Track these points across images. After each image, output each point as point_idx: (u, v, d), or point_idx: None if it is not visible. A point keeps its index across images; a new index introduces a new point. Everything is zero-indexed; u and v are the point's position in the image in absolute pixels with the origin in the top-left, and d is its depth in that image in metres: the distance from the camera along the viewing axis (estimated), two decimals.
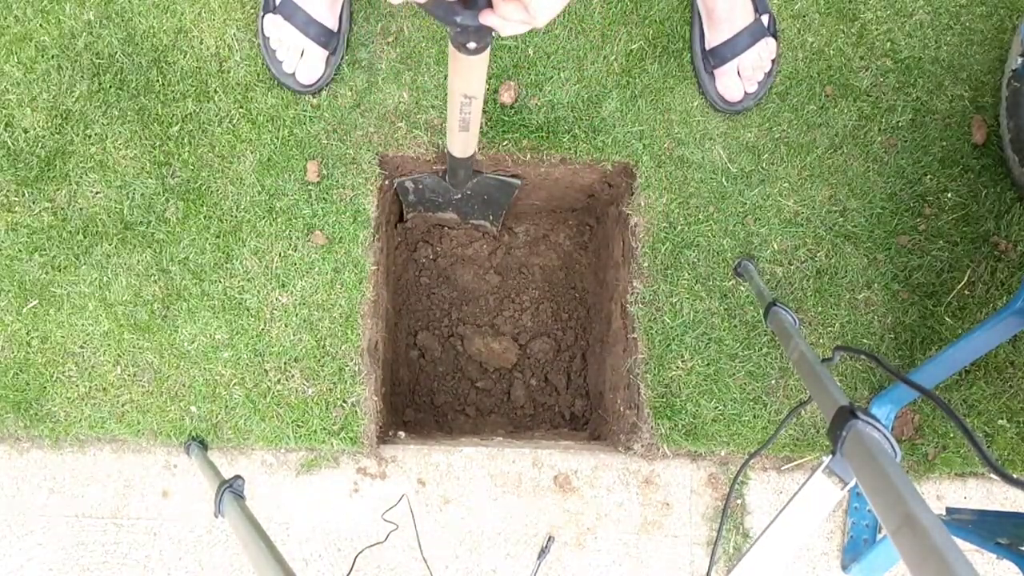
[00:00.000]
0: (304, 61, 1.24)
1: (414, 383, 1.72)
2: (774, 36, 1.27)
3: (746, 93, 1.26)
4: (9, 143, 1.27)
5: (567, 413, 1.70)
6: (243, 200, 1.27)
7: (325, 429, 1.23)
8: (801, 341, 0.87)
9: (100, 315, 1.25)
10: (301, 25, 1.22)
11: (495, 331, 1.74)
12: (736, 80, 1.25)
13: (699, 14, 1.27)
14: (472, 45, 0.80)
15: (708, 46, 1.26)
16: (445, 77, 1.29)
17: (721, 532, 1.11)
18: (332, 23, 1.24)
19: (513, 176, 1.39)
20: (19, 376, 1.25)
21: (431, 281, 1.76)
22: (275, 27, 1.24)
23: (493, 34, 0.77)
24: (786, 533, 0.71)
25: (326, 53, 1.25)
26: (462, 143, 1.10)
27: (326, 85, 1.28)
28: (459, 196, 1.48)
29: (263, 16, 1.25)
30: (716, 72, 1.26)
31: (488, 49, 0.83)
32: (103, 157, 1.27)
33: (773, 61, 1.27)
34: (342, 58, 1.28)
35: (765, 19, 1.25)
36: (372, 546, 1.24)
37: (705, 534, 1.26)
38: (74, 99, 1.28)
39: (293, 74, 1.25)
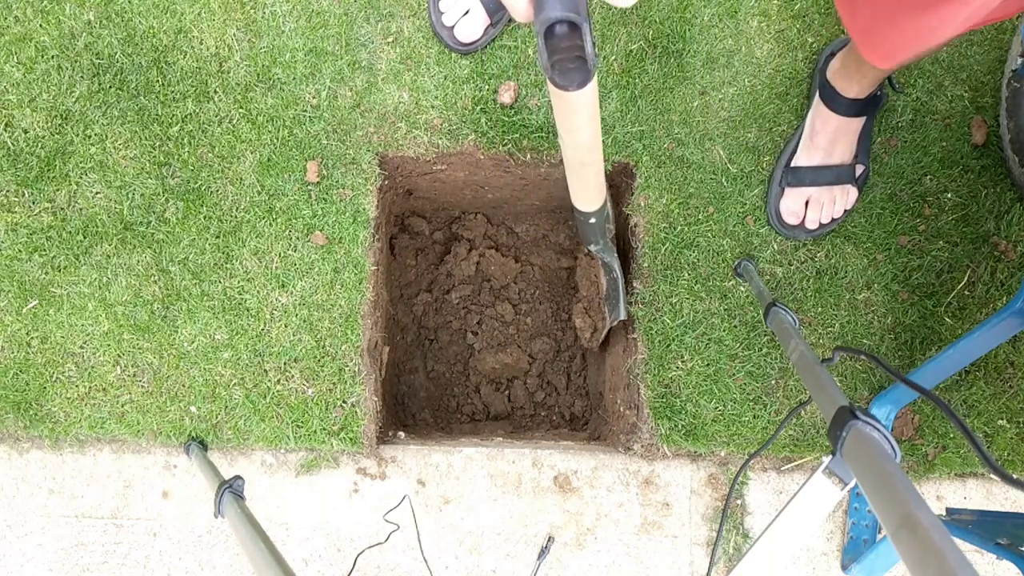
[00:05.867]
0: (466, 20, 1.25)
1: (415, 387, 1.72)
2: (859, 188, 1.24)
3: (803, 226, 1.23)
4: (9, 143, 1.27)
5: (567, 413, 1.70)
6: (243, 200, 1.27)
7: (325, 429, 1.23)
8: (801, 341, 0.87)
9: (100, 315, 1.25)
10: None
11: (504, 341, 1.74)
12: (801, 208, 1.22)
13: (803, 130, 1.24)
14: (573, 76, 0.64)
15: (794, 163, 1.24)
16: (444, 77, 1.29)
17: (721, 532, 1.11)
18: None
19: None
20: (19, 376, 1.25)
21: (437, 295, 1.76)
22: None
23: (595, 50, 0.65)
24: (786, 533, 0.71)
25: (488, 21, 1.26)
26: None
27: (479, 51, 1.29)
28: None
29: None
30: (787, 189, 1.23)
31: (593, 82, 0.66)
32: (103, 157, 1.27)
33: (845, 211, 1.24)
34: (499, 32, 1.29)
35: (859, 169, 1.23)
36: (373, 546, 1.24)
37: (705, 534, 1.26)
38: (74, 99, 1.28)
39: (452, 28, 1.26)
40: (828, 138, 1.20)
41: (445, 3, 1.26)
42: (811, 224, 1.23)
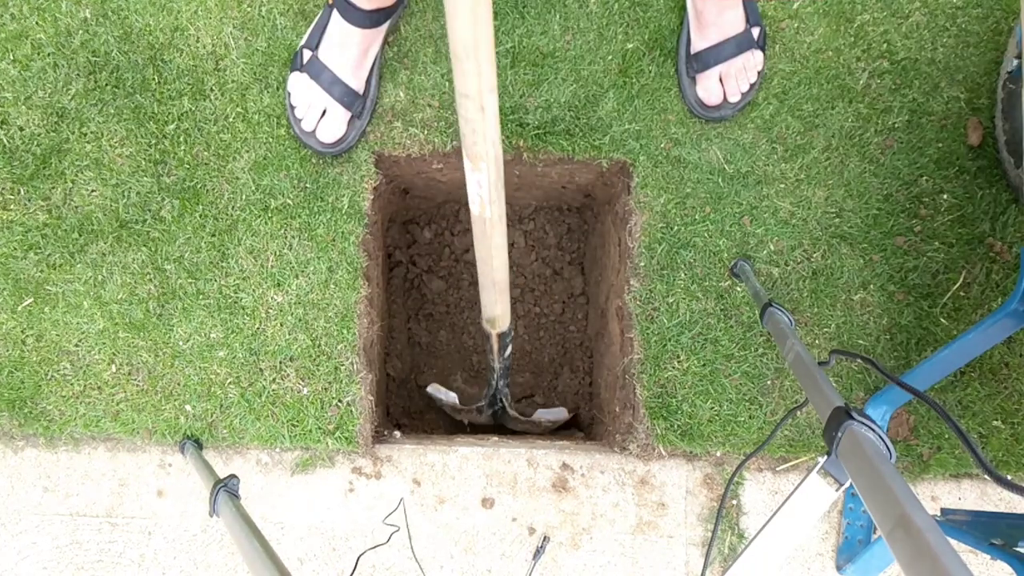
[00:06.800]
0: (325, 120, 1.23)
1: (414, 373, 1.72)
2: (762, 49, 1.26)
3: (725, 100, 1.25)
4: (4, 141, 1.27)
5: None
6: (238, 199, 1.27)
7: (320, 428, 1.23)
8: (797, 342, 0.87)
9: (95, 313, 1.25)
10: (326, 85, 1.22)
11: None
12: (717, 86, 1.24)
13: (688, 17, 1.26)
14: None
15: (693, 50, 1.25)
16: (441, 76, 1.29)
17: (716, 533, 1.11)
18: (358, 85, 1.23)
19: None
20: (13, 374, 1.25)
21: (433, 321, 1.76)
22: (299, 85, 1.24)
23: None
24: (781, 534, 0.71)
25: (349, 114, 1.23)
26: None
27: (350, 148, 1.26)
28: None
29: (290, 74, 1.25)
30: (698, 77, 1.25)
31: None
32: (99, 155, 1.27)
33: (759, 73, 1.26)
34: (367, 123, 1.27)
35: (756, 32, 1.24)
36: (374, 547, 1.24)
37: (700, 535, 1.26)
38: (70, 97, 1.27)
39: (313, 132, 1.24)
40: (714, 13, 1.21)
41: (300, 109, 1.24)
42: (733, 97, 1.25)
